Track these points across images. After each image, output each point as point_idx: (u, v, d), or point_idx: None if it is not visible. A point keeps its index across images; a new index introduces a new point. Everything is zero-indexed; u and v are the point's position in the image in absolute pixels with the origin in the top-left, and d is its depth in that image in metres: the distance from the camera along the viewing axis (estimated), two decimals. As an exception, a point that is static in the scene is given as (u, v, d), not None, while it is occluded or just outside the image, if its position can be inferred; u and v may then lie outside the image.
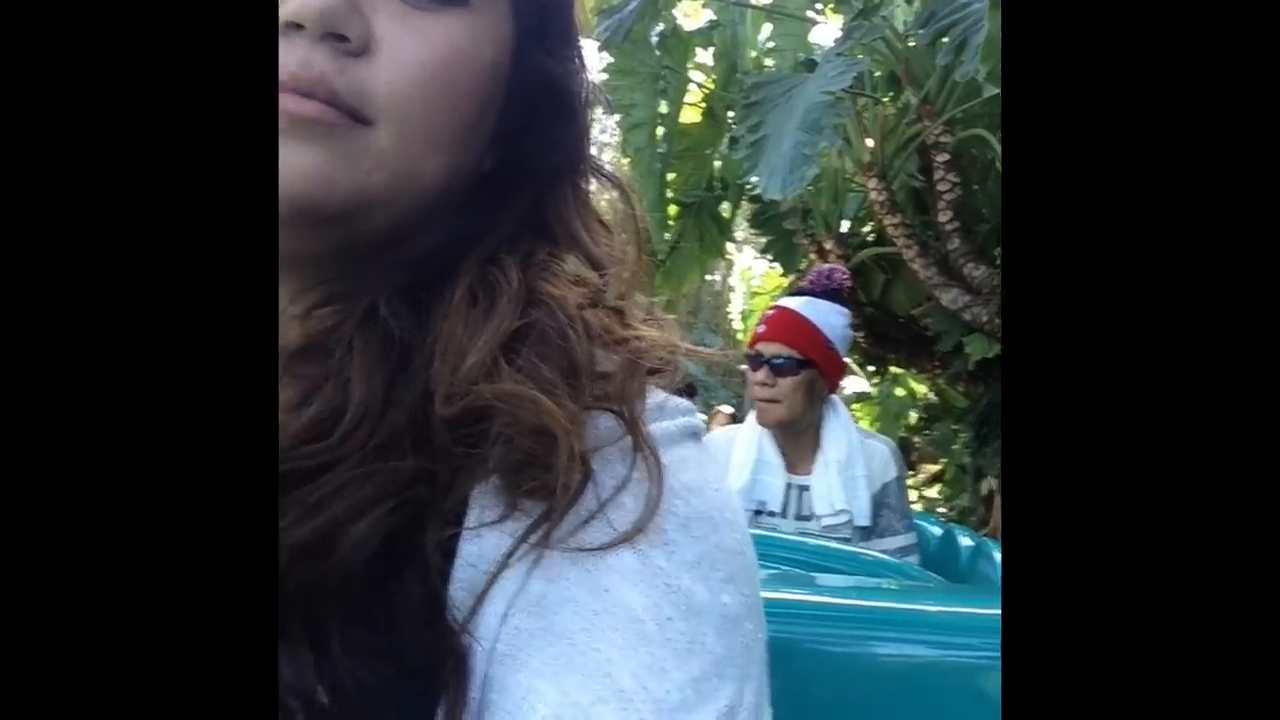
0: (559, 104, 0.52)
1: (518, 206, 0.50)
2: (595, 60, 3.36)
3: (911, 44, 3.21)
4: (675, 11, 3.59)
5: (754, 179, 2.76)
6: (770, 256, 4.37)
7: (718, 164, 4.07)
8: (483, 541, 0.41)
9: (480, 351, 0.43)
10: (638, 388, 0.45)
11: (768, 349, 2.05)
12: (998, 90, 2.81)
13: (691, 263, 4.08)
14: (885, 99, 3.54)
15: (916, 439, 5.62)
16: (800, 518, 2.04)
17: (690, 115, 3.96)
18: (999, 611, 0.85)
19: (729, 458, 2.08)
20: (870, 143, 3.43)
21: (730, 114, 3.62)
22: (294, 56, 0.42)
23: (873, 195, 3.36)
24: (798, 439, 2.09)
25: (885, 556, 1.67)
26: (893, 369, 4.82)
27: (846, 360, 2.23)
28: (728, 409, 6.67)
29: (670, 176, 3.88)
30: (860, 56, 3.02)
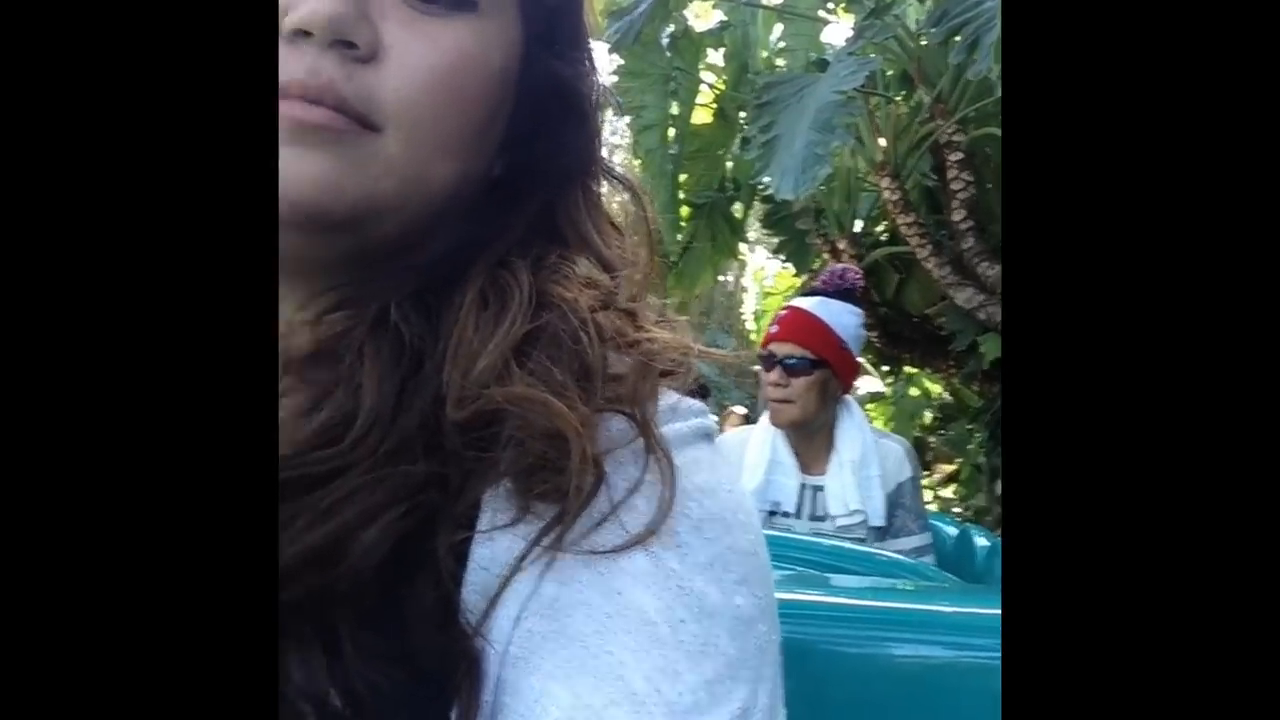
0: (569, 107, 0.52)
1: (528, 210, 0.50)
2: (606, 62, 3.36)
3: (924, 43, 3.19)
4: (686, 13, 3.58)
5: (766, 179, 2.75)
6: (783, 257, 4.36)
7: (730, 165, 4.06)
8: (495, 545, 0.41)
9: (491, 355, 0.43)
10: (650, 390, 0.45)
11: (780, 349, 2.04)
12: (1011, 88, 2.80)
13: (704, 263, 4.07)
14: (898, 98, 3.52)
15: (931, 439, 5.60)
16: (814, 518, 2.03)
17: (702, 116, 3.96)
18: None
19: (742, 459, 2.08)
20: (883, 142, 3.42)
21: (742, 115, 3.61)
22: (302, 64, 0.42)
23: (886, 194, 3.35)
24: (811, 439, 2.08)
25: (900, 557, 1.67)
26: (907, 369, 4.80)
27: (860, 360, 2.22)
28: (741, 410, 6.66)
29: (682, 178, 3.87)
30: (872, 56, 3.01)
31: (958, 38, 2.60)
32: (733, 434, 2.33)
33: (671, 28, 3.47)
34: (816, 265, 3.94)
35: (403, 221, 0.46)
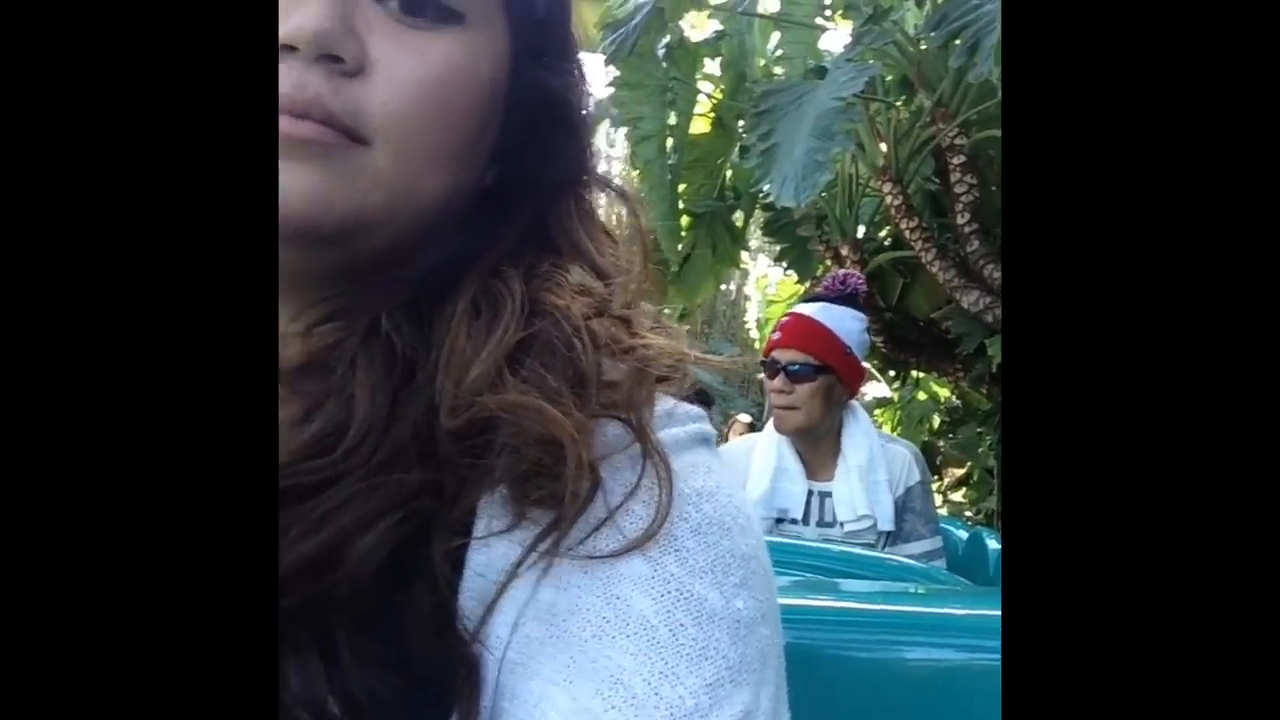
0: (558, 117, 0.52)
1: (520, 220, 0.50)
2: (602, 74, 3.37)
3: (923, 47, 3.19)
4: (681, 23, 3.58)
5: (766, 187, 2.75)
6: (785, 264, 4.36)
7: (729, 173, 4.07)
8: (491, 551, 0.41)
9: (484, 363, 0.43)
10: (646, 395, 0.45)
11: (783, 356, 2.04)
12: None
13: (705, 272, 4.07)
14: (898, 103, 3.52)
15: (941, 443, 5.59)
16: (822, 524, 2.03)
17: (700, 126, 3.96)
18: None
19: (748, 466, 2.07)
20: (884, 147, 3.42)
21: (740, 123, 3.62)
22: (289, 78, 0.42)
23: (888, 199, 3.35)
24: (817, 445, 2.08)
25: (911, 561, 1.66)
26: (914, 373, 4.79)
27: (866, 365, 2.22)
28: (746, 418, 6.65)
29: (681, 188, 3.88)
30: (871, 61, 3.01)
31: (957, 41, 2.60)
32: (738, 442, 2.33)
33: (667, 38, 3.47)
34: (819, 272, 3.94)
35: (392, 234, 0.46)
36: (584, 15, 3.23)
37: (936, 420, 5.62)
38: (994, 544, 2.02)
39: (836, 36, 3.89)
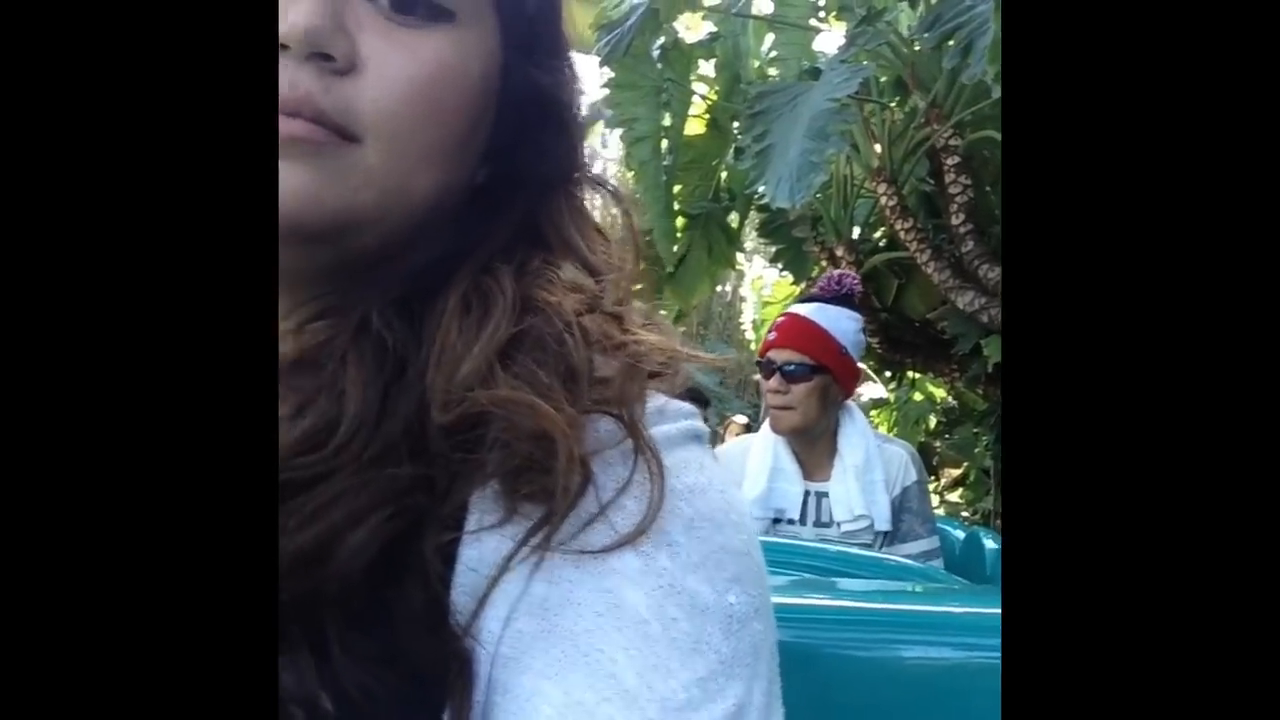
0: (550, 115, 0.52)
1: (511, 217, 0.50)
2: (596, 75, 3.37)
3: (917, 48, 3.19)
4: (676, 24, 3.59)
5: (761, 188, 2.75)
6: (780, 265, 4.36)
7: (724, 175, 4.07)
8: (483, 546, 0.41)
9: (476, 359, 0.43)
10: (637, 391, 0.45)
11: (779, 356, 2.04)
12: (1006, 90, 2.80)
13: (701, 274, 4.07)
14: (892, 104, 3.53)
15: (937, 443, 5.59)
16: (819, 525, 2.03)
17: (694, 127, 3.96)
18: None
19: (744, 467, 2.07)
20: (878, 148, 3.42)
21: (735, 124, 3.61)
22: (280, 76, 0.42)
23: (883, 200, 3.35)
24: (814, 445, 2.08)
25: (908, 561, 1.66)
26: (910, 374, 4.79)
27: (862, 366, 2.22)
28: (742, 419, 6.66)
29: (676, 189, 3.87)
30: (865, 62, 3.02)
31: (951, 42, 2.60)
32: (734, 443, 2.33)
33: (662, 40, 3.47)
34: (815, 273, 3.94)
35: (383, 232, 0.46)
36: (578, 16, 3.23)
37: (933, 421, 5.63)
38: (991, 544, 2.02)
39: (831, 38, 3.89)
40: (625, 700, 0.38)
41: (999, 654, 0.88)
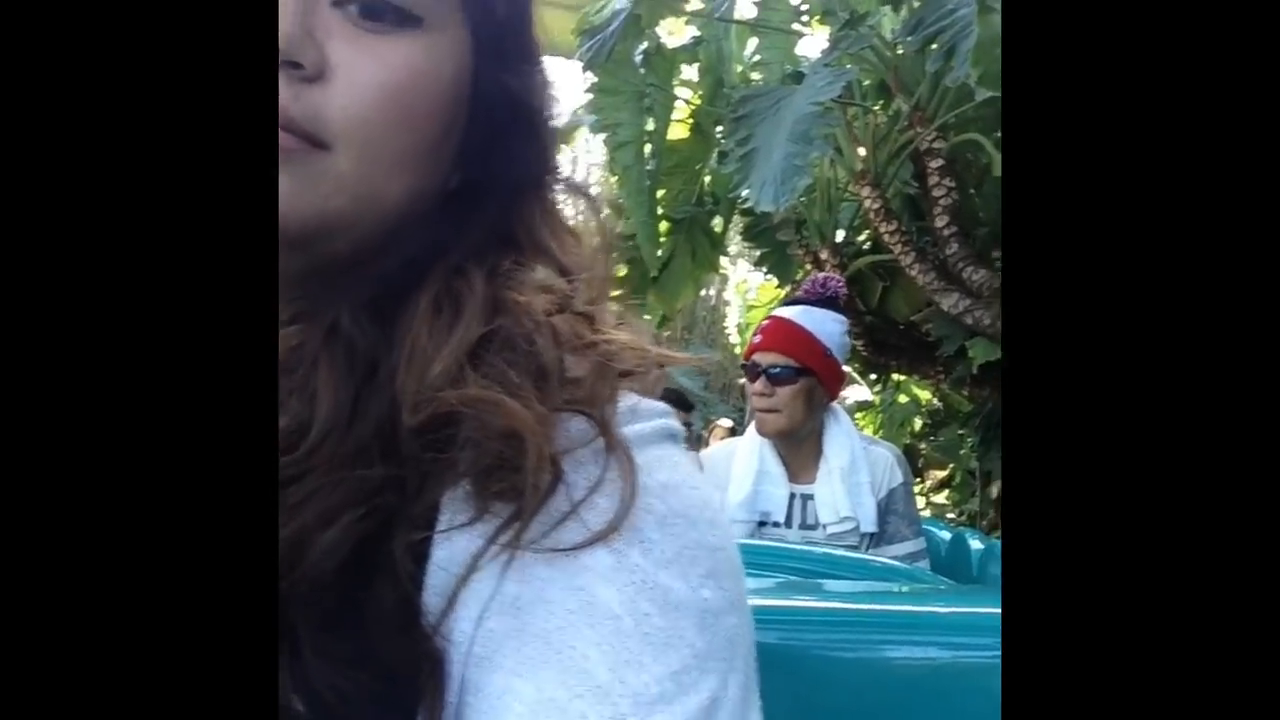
0: (521, 119, 0.52)
1: (483, 221, 0.50)
2: (579, 80, 3.36)
3: (900, 52, 3.20)
4: (658, 29, 3.59)
5: (745, 192, 2.75)
6: (765, 269, 4.36)
7: (707, 179, 4.07)
8: (453, 545, 0.41)
9: (446, 359, 0.43)
10: (608, 390, 0.45)
11: (764, 359, 2.04)
12: (989, 94, 2.81)
13: (685, 278, 4.07)
14: (876, 107, 3.53)
15: (922, 445, 5.61)
16: (805, 527, 2.03)
17: (678, 131, 3.96)
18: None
19: (729, 470, 2.07)
20: (862, 151, 3.43)
21: (718, 129, 3.62)
22: None
23: (867, 204, 3.35)
24: (799, 448, 2.08)
25: (894, 563, 1.66)
26: (895, 376, 4.80)
27: (847, 369, 2.22)
28: (727, 423, 6.67)
29: (660, 193, 3.87)
30: (848, 66, 3.02)
31: (934, 45, 2.61)
32: (720, 446, 2.33)
33: (644, 45, 3.47)
34: (799, 276, 3.94)
35: (355, 238, 0.46)
36: (560, 22, 3.23)
37: (918, 423, 5.64)
38: (976, 544, 2.02)
39: (813, 42, 3.90)
40: (598, 695, 0.38)
41: (985, 654, 0.89)
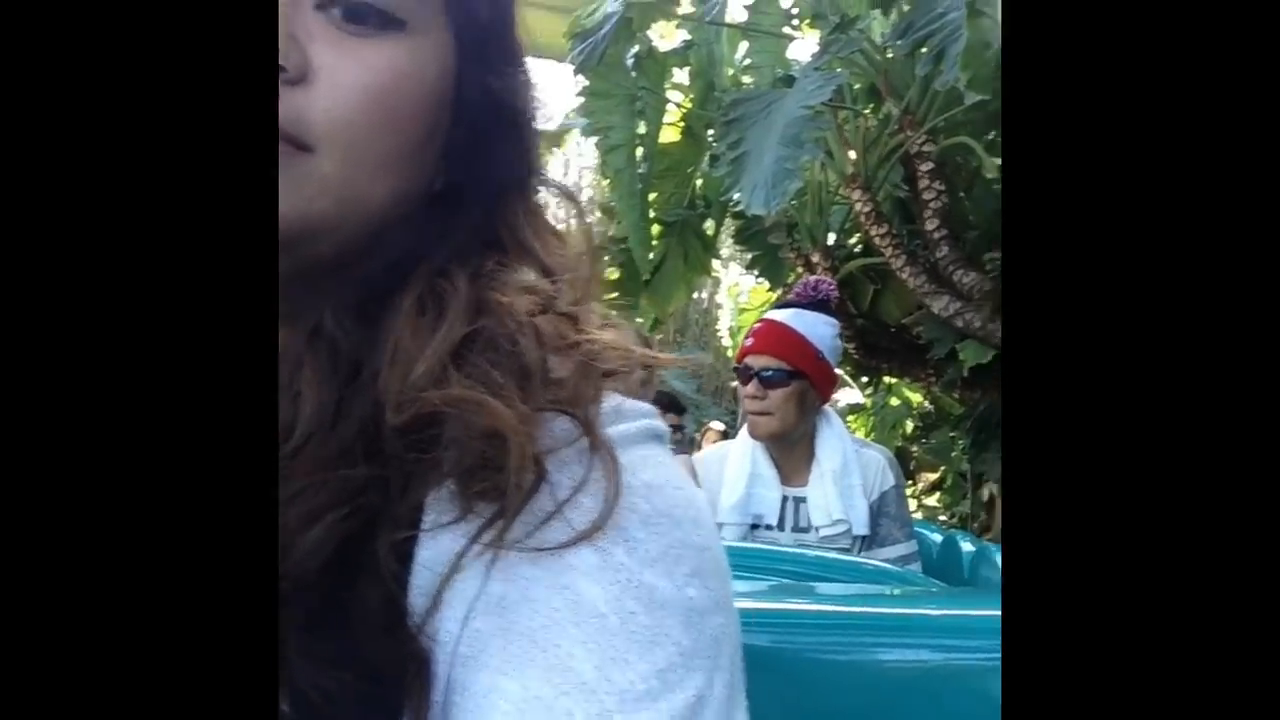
0: (504, 121, 0.52)
1: (467, 222, 0.51)
2: (571, 83, 3.36)
3: (890, 55, 3.21)
4: (650, 33, 3.59)
5: (737, 195, 2.75)
6: (756, 272, 4.37)
7: (699, 182, 4.08)
8: (438, 545, 0.41)
9: (429, 360, 0.43)
10: (592, 390, 0.45)
11: (756, 362, 2.04)
12: (979, 98, 2.83)
13: (677, 281, 4.08)
14: (866, 111, 3.54)
15: (914, 448, 5.62)
16: (797, 530, 2.03)
17: (669, 135, 3.97)
18: (998, 613, 0.84)
19: (722, 474, 2.07)
20: (853, 155, 3.44)
21: (709, 132, 3.63)
22: None
23: (858, 207, 3.36)
24: (791, 451, 2.08)
25: (886, 565, 1.66)
26: (886, 379, 4.81)
27: (838, 372, 2.23)
28: (719, 426, 6.67)
29: (652, 196, 3.87)
30: (839, 70, 3.02)
31: (923, 49, 2.62)
32: (712, 450, 2.32)
33: (636, 48, 3.48)
34: (791, 279, 3.95)
35: (340, 241, 0.46)
36: (552, 25, 3.23)
37: (909, 425, 5.66)
38: (968, 546, 2.03)
39: (804, 45, 3.91)
40: (584, 693, 0.38)
41: (976, 656, 0.89)
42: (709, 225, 4.19)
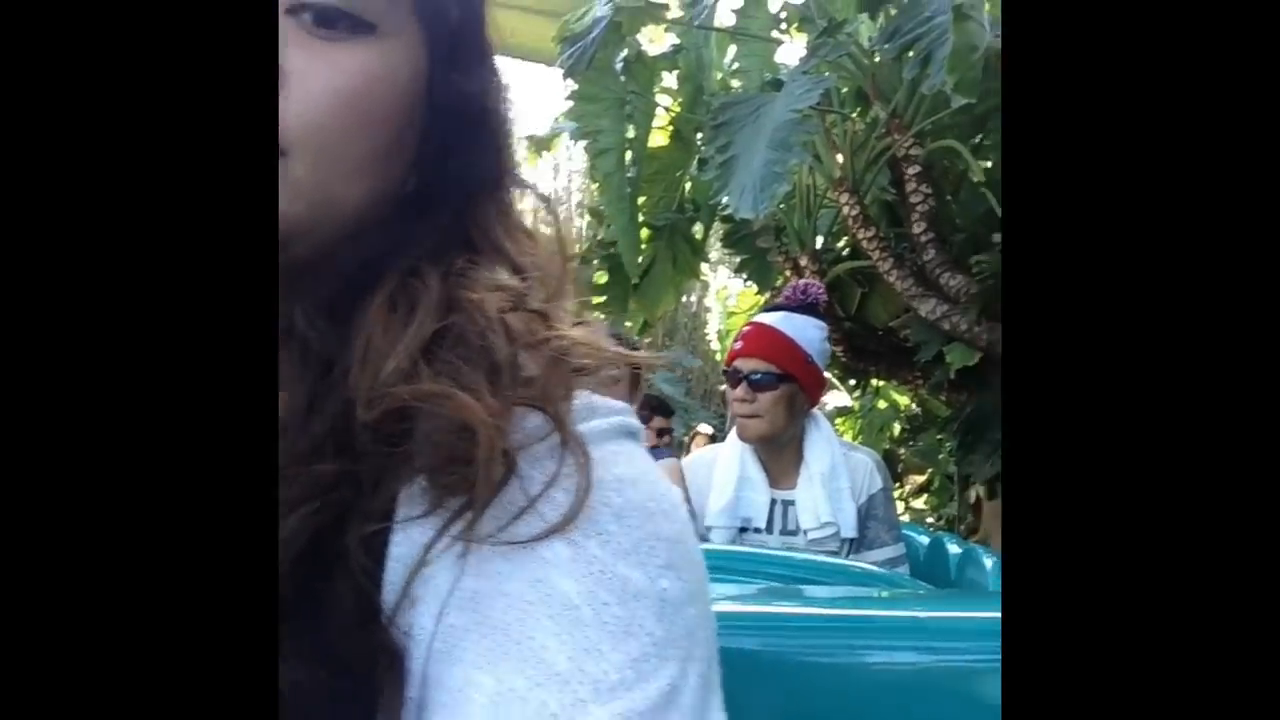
0: (476, 122, 0.52)
1: (439, 222, 0.51)
2: (560, 87, 3.36)
3: (877, 59, 3.22)
4: (639, 37, 3.59)
5: (725, 199, 2.76)
6: (745, 275, 4.37)
7: (688, 186, 4.08)
8: (409, 538, 0.42)
9: (399, 356, 0.44)
10: (562, 385, 0.46)
11: (745, 365, 2.04)
12: (965, 101, 2.84)
13: (666, 285, 4.07)
14: (854, 114, 3.55)
15: (901, 450, 5.62)
16: (786, 533, 2.03)
17: (658, 139, 3.97)
18: (989, 615, 0.85)
19: (711, 476, 2.07)
20: (840, 158, 3.44)
21: (698, 136, 3.63)
22: None
23: (845, 210, 3.37)
24: (780, 454, 2.08)
25: (874, 568, 1.67)
26: (874, 382, 4.82)
27: (826, 374, 2.23)
28: (708, 429, 6.66)
29: (641, 200, 3.87)
30: (826, 74, 3.03)
31: (911, 53, 2.63)
32: (701, 453, 2.33)
33: (625, 52, 3.48)
34: (779, 283, 3.95)
35: (314, 243, 0.46)
36: (541, 29, 3.23)
37: (897, 428, 5.66)
38: (955, 548, 2.03)
39: (792, 49, 3.91)
40: (558, 684, 0.38)
41: (964, 658, 0.89)
42: (698, 229, 4.19)
